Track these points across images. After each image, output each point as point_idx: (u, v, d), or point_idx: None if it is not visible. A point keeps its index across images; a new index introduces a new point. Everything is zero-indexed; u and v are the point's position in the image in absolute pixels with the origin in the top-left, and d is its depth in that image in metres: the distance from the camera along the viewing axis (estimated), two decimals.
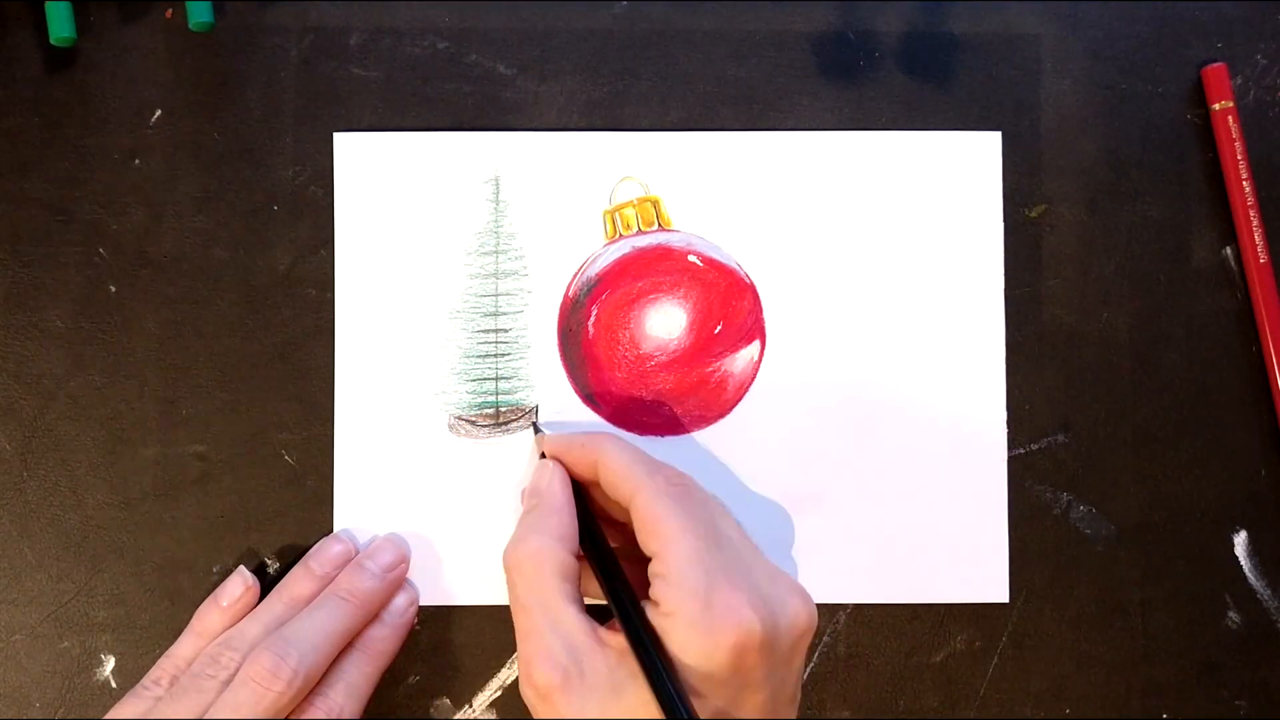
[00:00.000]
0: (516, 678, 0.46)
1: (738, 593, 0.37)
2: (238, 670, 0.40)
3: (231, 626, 0.43)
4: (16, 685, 0.46)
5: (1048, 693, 0.47)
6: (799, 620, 0.38)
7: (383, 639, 0.43)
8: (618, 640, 0.38)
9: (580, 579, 0.41)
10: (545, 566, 0.40)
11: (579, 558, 0.41)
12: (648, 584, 0.39)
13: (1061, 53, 0.48)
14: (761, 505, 0.46)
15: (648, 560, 0.39)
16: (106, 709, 0.42)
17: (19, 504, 0.46)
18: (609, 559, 0.41)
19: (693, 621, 0.37)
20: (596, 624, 0.39)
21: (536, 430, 0.46)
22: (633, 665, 0.38)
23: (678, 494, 0.40)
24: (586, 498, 0.43)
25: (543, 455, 0.44)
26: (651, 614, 0.38)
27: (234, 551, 0.46)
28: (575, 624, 0.39)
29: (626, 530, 0.41)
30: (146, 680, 0.42)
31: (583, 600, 0.40)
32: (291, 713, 0.40)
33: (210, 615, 0.44)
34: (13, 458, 0.46)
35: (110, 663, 0.46)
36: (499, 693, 0.46)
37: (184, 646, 0.43)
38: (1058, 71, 0.48)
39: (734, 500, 0.46)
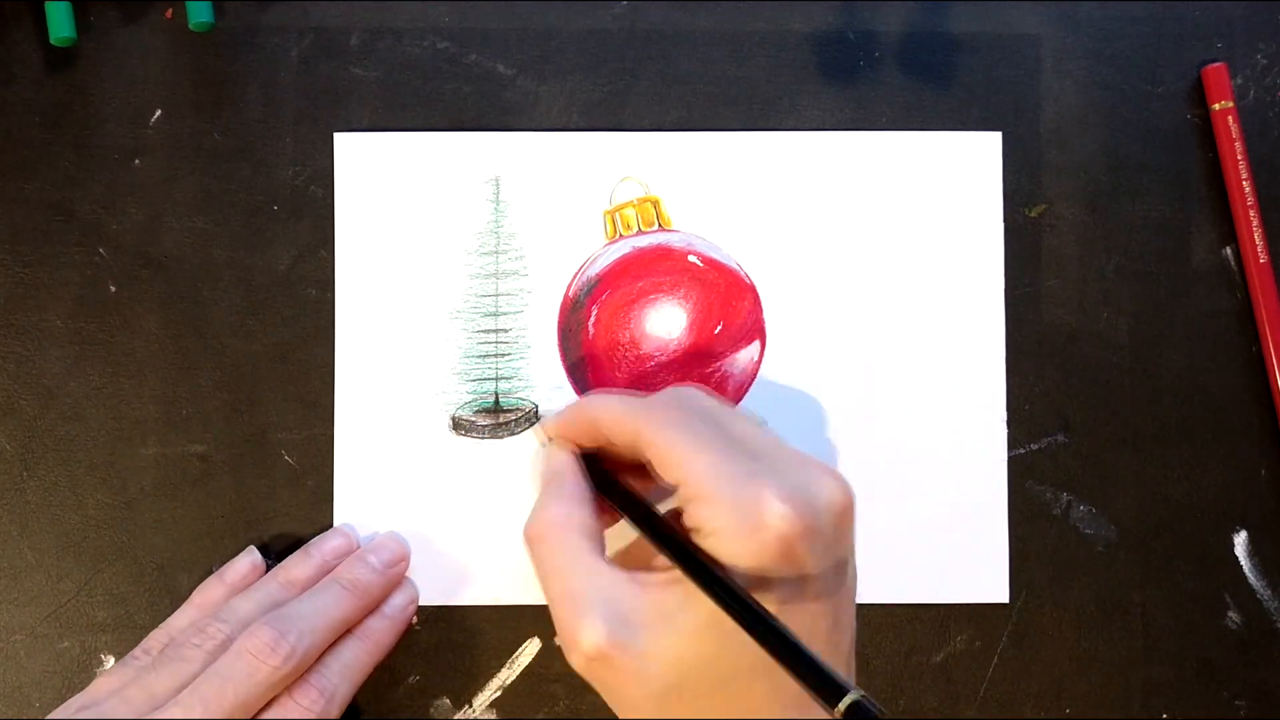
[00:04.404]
0: (517, 678, 0.46)
1: (768, 490, 0.36)
2: (223, 641, 0.40)
3: None
4: (16, 685, 0.46)
5: (1048, 693, 0.47)
6: (835, 499, 0.37)
7: (381, 630, 0.43)
8: (655, 578, 0.38)
9: (604, 543, 0.40)
10: (570, 529, 0.39)
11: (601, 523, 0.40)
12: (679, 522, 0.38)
13: (1061, 53, 0.48)
14: None
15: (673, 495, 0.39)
16: None
17: (19, 504, 0.46)
18: (634, 498, 0.40)
19: (734, 532, 0.36)
20: (628, 571, 0.38)
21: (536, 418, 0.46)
22: (678, 593, 0.37)
23: (678, 418, 0.39)
24: (602, 459, 0.42)
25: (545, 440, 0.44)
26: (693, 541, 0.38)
27: (234, 552, 0.45)
28: (608, 575, 0.38)
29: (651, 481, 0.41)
30: (137, 650, 0.42)
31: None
32: (287, 691, 0.40)
33: (213, 590, 0.44)
34: (13, 458, 0.46)
35: (110, 663, 0.46)
36: (499, 693, 0.46)
37: (181, 618, 0.43)
38: (1058, 71, 0.48)
39: None
